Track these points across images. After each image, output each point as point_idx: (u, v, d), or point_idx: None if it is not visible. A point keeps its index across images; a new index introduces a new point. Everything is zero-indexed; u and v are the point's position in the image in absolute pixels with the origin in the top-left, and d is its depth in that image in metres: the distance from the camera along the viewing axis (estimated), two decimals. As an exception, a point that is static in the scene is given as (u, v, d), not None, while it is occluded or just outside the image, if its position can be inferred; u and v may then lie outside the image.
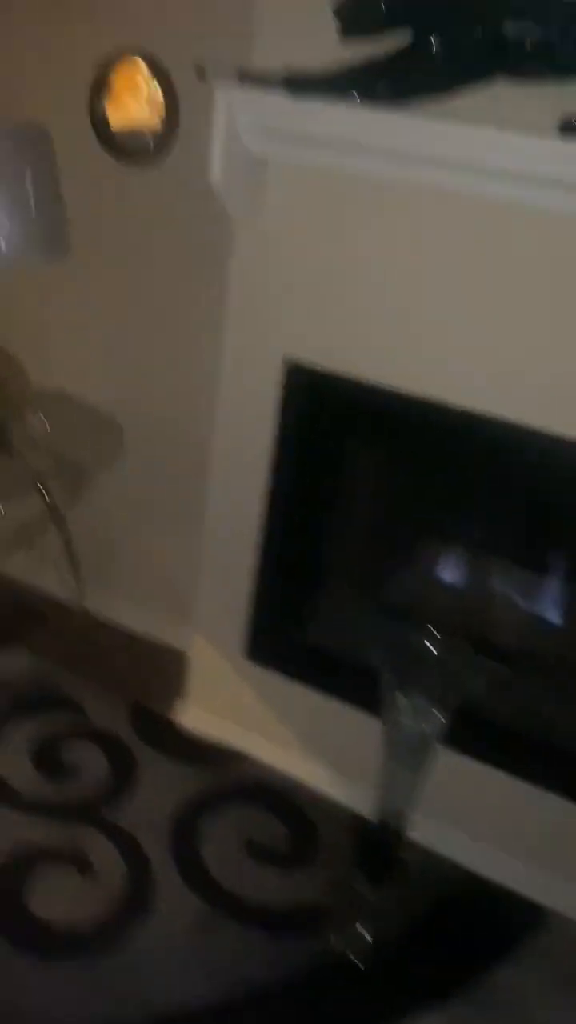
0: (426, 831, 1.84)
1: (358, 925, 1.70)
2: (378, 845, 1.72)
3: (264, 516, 1.92)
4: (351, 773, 1.97)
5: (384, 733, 1.65)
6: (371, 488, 1.90)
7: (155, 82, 1.85)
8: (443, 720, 1.62)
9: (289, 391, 1.79)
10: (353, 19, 1.43)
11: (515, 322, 1.59)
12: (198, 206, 1.77)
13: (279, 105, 1.51)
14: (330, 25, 1.45)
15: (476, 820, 1.90)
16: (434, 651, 1.63)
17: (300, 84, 1.47)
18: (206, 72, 1.51)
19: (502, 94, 1.41)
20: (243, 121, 1.56)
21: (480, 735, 1.78)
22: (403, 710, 1.62)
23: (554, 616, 1.82)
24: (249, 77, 1.51)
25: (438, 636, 1.65)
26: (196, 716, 2.19)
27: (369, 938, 1.69)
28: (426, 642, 1.65)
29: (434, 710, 1.61)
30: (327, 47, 1.47)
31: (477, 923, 1.82)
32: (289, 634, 2.01)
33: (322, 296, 1.73)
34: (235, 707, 2.14)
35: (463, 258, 1.59)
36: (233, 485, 1.95)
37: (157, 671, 2.30)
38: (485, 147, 1.42)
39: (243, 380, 1.86)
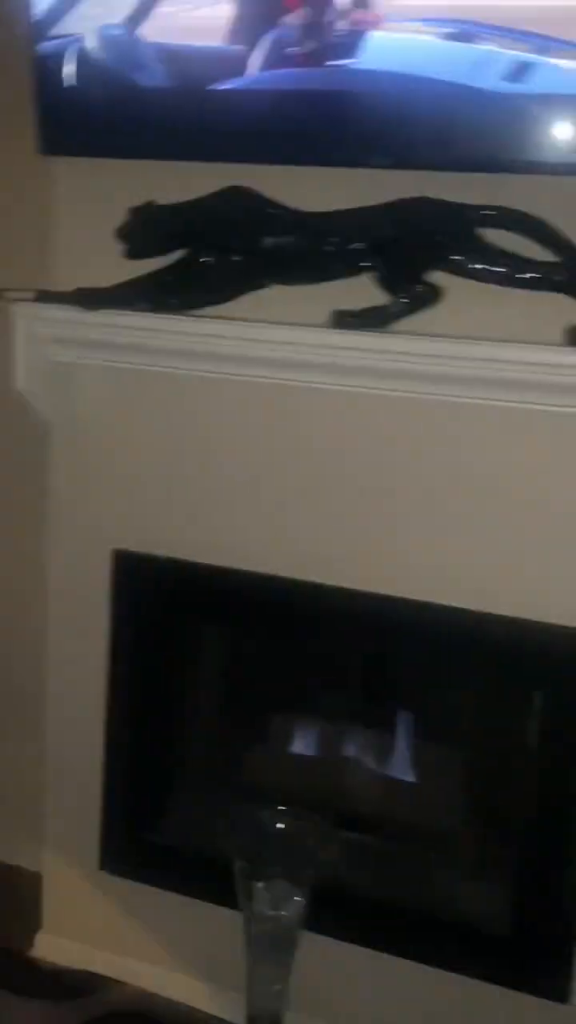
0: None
1: None
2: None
3: (107, 713, 1.87)
4: (226, 980, 1.84)
5: (245, 928, 1.57)
6: (213, 669, 1.89)
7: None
8: (303, 903, 1.55)
9: (120, 580, 1.80)
10: (135, 242, 1.58)
11: (316, 491, 1.67)
12: (10, 410, 1.83)
13: (75, 318, 1.62)
14: (116, 248, 1.59)
15: (351, 1010, 1.79)
16: (287, 830, 1.59)
17: (93, 299, 1.59)
18: (3, 294, 1.62)
19: (275, 294, 1.56)
20: (44, 334, 1.66)
21: (344, 913, 1.71)
22: (261, 899, 1.55)
23: (406, 774, 1.81)
24: (46, 296, 1.63)
25: (290, 814, 1.62)
26: (55, 945, 2.01)
27: None
28: (278, 823, 1.61)
29: (294, 895, 1.55)
30: (116, 266, 1.60)
31: None
32: (144, 838, 1.91)
33: (143, 485, 1.79)
34: (97, 927, 1.98)
35: (261, 438, 1.69)
36: (72, 684, 1.90)
37: (7, 900, 2.13)
38: (261, 341, 1.55)
39: (74, 575, 1.86)
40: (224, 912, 1.79)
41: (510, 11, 1.30)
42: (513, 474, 1.56)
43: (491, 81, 1.32)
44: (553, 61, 1.30)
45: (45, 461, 1.84)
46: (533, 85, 1.32)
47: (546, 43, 1.30)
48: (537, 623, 1.57)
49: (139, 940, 1.95)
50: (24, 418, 1.81)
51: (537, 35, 1.30)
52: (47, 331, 1.67)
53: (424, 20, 1.35)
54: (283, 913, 1.54)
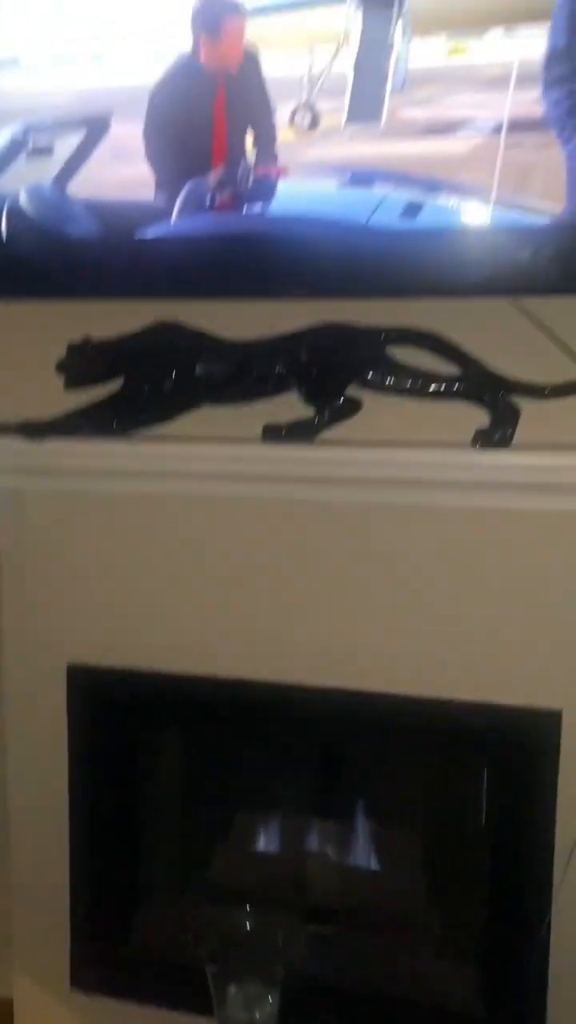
0: None
1: None
2: None
3: (70, 828, 1.89)
4: None
5: (219, 1033, 1.58)
6: (173, 773, 1.93)
7: None
8: (276, 1003, 1.57)
9: (76, 692, 1.84)
10: (72, 374, 1.69)
11: (258, 593, 1.76)
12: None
13: (19, 448, 1.71)
14: (55, 380, 1.70)
15: None
16: (255, 930, 1.62)
17: (37, 429, 1.69)
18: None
19: (209, 413, 1.68)
20: (-5, 463, 1.75)
21: (318, 1008, 1.73)
22: (235, 1002, 1.57)
23: (367, 862, 1.86)
24: (-11, 428, 1.72)
25: (257, 913, 1.65)
26: (29, 1075, 1.98)
27: None
28: (246, 923, 1.65)
29: (267, 995, 1.57)
30: (56, 398, 1.70)
31: None
32: (114, 952, 1.91)
33: (93, 600, 1.84)
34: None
35: (202, 547, 1.77)
36: (34, 802, 1.92)
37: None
38: (197, 458, 1.66)
39: (30, 691, 1.89)
40: (199, 1021, 1.80)
41: (399, 160, 1.48)
42: (443, 566, 1.67)
43: (388, 219, 1.49)
44: (440, 200, 1.47)
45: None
46: (424, 221, 1.48)
47: (432, 185, 1.47)
48: (477, 704, 1.66)
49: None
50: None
51: (423, 179, 1.47)
52: (-3, 461, 1.76)
53: (323, 170, 1.51)
54: (256, 1015, 1.56)
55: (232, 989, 1.57)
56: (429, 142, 1.45)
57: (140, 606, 1.84)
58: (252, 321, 1.62)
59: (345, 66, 1.45)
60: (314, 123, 1.49)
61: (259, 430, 1.65)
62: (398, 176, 1.47)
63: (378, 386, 1.58)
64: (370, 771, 1.82)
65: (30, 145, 1.59)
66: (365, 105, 1.46)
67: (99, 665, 1.85)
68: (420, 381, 1.56)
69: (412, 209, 1.47)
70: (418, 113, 1.45)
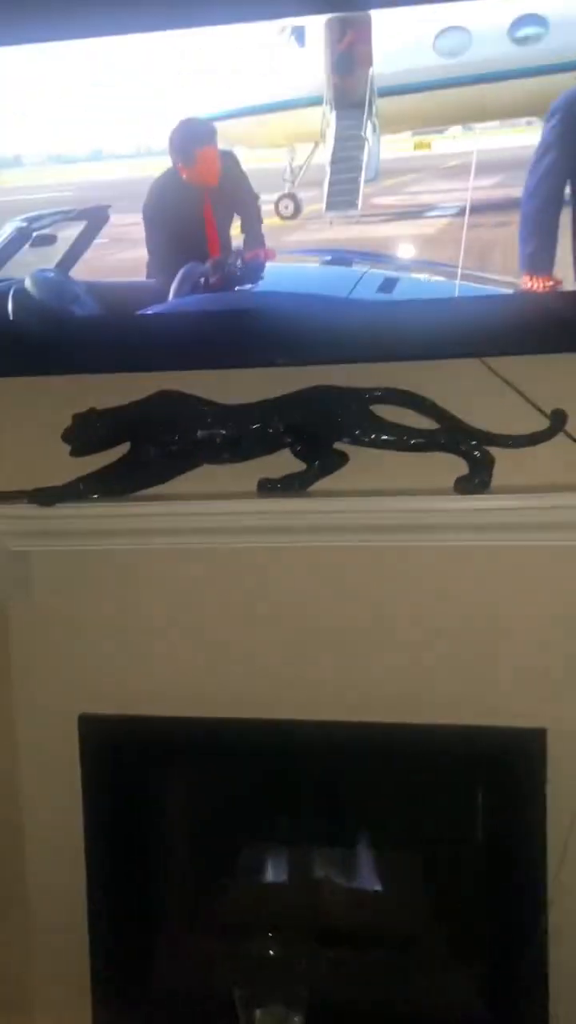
0: None
1: None
2: None
3: (87, 873, 1.97)
4: None
5: (251, 1057, 1.67)
6: (184, 813, 2.02)
7: None
8: (301, 1022, 1.67)
9: (88, 741, 1.94)
10: (79, 442, 1.81)
11: (257, 636, 1.89)
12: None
13: (28, 513, 1.82)
14: (64, 447, 1.82)
15: None
16: (277, 956, 1.72)
17: (45, 496, 1.81)
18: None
19: (208, 471, 1.82)
20: (2, 528, 1.86)
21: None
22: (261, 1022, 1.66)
23: (373, 885, 1.98)
24: (2, 496, 1.83)
25: (278, 940, 1.75)
26: None
27: None
28: (269, 950, 1.75)
29: (292, 1016, 1.67)
30: (61, 464, 1.82)
31: None
32: (137, 994, 1.98)
33: (101, 652, 1.95)
34: None
35: (206, 597, 1.90)
36: (51, 851, 2.00)
37: None
38: (199, 514, 1.79)
39: (44, 742, 1.99)
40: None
41: (374, 241, 1.65)
42: (430, 602, 1.82)
43: (367, 293, 1.66)
44: (413, 275, 1.65)
45: (7, 641, 2.00)
46: (399, 294, 1.66)
47: (404, 263, 1.65)
48: (468, 727, 1.81)
49: None
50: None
51: (397, 258, 1.65)
52: (3, 527, 1.86)
53: (306, 252, 1.68)
54: (285, 1035, 1.66)
55: (258, 1012, 1.67)
56: (401, 225, 1.63)
57: (145, 655, 1.95)
58: (247, 387, 1.77)
59: (323, 160, 1.63)
60: (297, 211, 1.66)
61: (255, 485, 1.80)
62: (374, 255, 1.65)
63: (363, 441, 1.74)
64: (370, 797, 1.93)
65: (33, 236, 1.73)
66: (342, 194, 1.64)
67: (109, 714, 1.95)
68: (402, 435, 1.72)
69: (388, 284, 1.65)
70: (390, 200, 1.63)
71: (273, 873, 2.01)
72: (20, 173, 1.71)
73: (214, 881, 2.02)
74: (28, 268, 1.75)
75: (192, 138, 1.64)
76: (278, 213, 1.67)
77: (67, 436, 1.82)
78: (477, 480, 1.68)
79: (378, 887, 1.97)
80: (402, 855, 1.97)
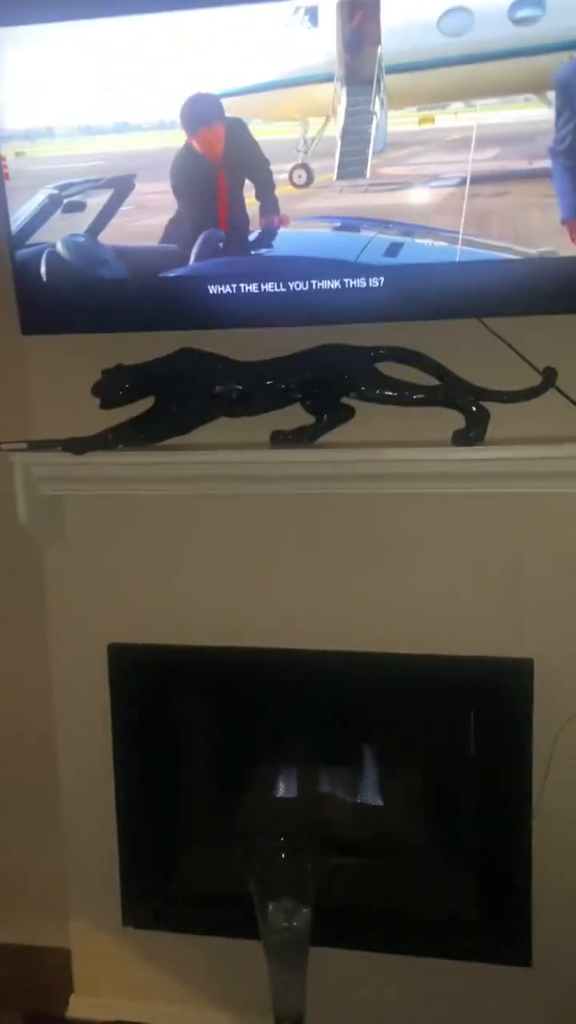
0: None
1: None
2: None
3: (116, 787, 2.18)
4: (246, 1005, 2.14)
5: (264, 941, 1.89)
6: (204, 733, 2.22)
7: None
8: (309, 915, 1.88)
9: (115, 668, 2.13)
10: (107, 395, 1.96)
11: (270, 574, 2.05)
12: (12, 540, 2.17)
13: (61, 460, 1.98)
14: (93, 400, 1.97)
15: (363, 1011, 2.11)
16: (290, 856, 1.93)
17: (79, 444, 1.96)
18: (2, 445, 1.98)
19: (226, 423, 1.97)
20: (36, 475, 2.02)
21: (341, 926, 2.03)
22: (275, 915, 1.88)
23: (376, 800, 2.18)
24: (38, 444, 1.99)
25: (288, 845, 1.96)
26: (87, 1004, 2.28)
27: None
28: (281, 853, 1.95)
29: (301, 908, 1.88)
30: (92, 416, 1.98)
31: None
32: (161, 890, 2.21)
33: (126, 587, 2.13)
34: (124, 980, 2.26)
35: (222, 538, 2.07)
36: (82, 766, 2.20)
37: (43, 973, 2.38)
38: (217, 463, 1.95)
39: (75, 669, 2.17)
40: (238, 944, 2.11)
41: (381, 208, 1.77)
42: (429, 544, 1.98)
43: (374, 257, 1.78)
44: (417, 240, 1.77)
45: (42, 577, 2.18)
46: (404, 257, 1.78)
47: (409, 228, 1.77)
48: (463, 658, 1.98)
49: (164, 984, 2.24)
50: (23, 543, 2.15)
51: (402, 224, 1.77)
52: (39, 472, 2.03)
53: (318, 218, 1.80)
54: (294, 924, 1.87)
55: (271, 905, 1.88)
56: (406, 193, 1.74)
57: (168, 591, 2.12)
58: (262, 345, 1.90)
59: (334, 133, 1.74)
60: (309, 180, 1.78)
61: (267, 437, 1.95)
62: (381, 222, 1.76)
63: (369, 396, 1.88)
64: (372, 720, 2.13)
65: (64, 202, 1.85)
66: (352, 164, 1.75)
67: (135, 643, 2.14)
68: (405, 391, 1.86)
69: (394, 248, 1.77)
70: (396, 170, 1.74)
71: (284, 788, 2.22)
72: (52, 143, 1.83)
73: (230, 793, 2.24)
74: (59, 233, 1.88)
75: (196, 118, 1.75)
76: (292, 182, 1.78)
77: (96, 390, 1.97)
78: (473, 433, 1.83)
79: (378, 801, 2.18)
80: (400, 773, 2.17)
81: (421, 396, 1.86)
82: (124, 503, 2.10)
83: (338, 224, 1.80)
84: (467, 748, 2.05)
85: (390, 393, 1.87)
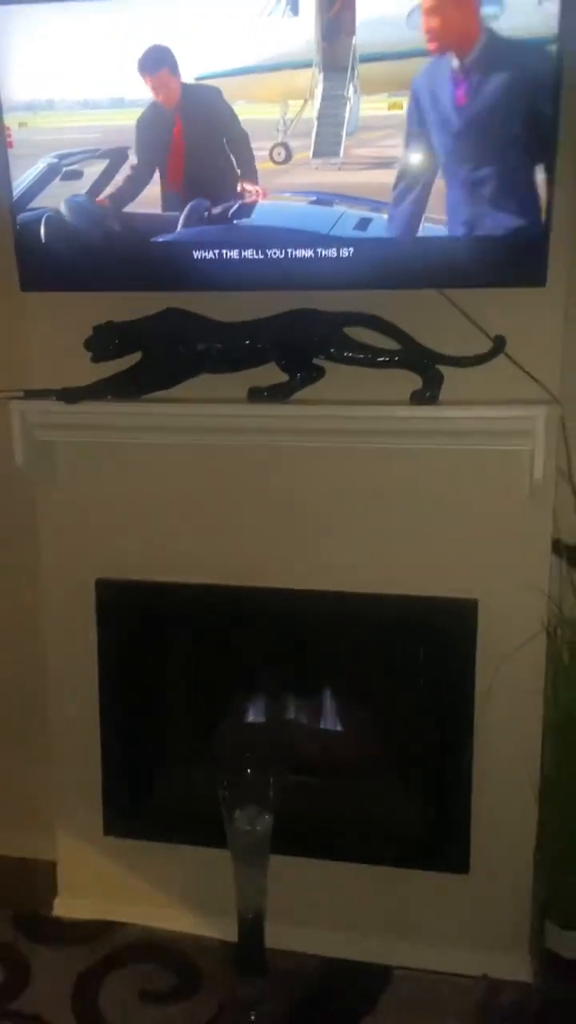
0: (282, 936, 2.26)
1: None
2: (247, 939, 2.13)
3: (100, 709, 2.39)
4: (215, 907, 2.37)
5: (230, 843, 2.12)
6: (182, 663, 2.43)
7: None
8: (271, 820, 2.11)
9: (103, 601, 2.33)
10: (97, 350, 2.14)
11: (244, 517, 2.25)
12: (9, 483, 2.35)
13: (56, 408, 2.17)
14: (85, 354, 2.15)
15: (319, 913, 2.36)
16: (255, 770, 2.15)
17: (73, 394, 2.15)
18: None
19: (206, 380, 2.15)
20: (32, 421, 2.20)
21: (298, 837, 2.26)
22: (240, 821, 2.11)
23: (334, 726, 2.41)
24: (34, 393, 2.18)
25: (254, 761, 2.18)
26: (71, 905, 2.51)
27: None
28: (247, 768, 2.17)
29: (263, 814, 2.11)
30: (82, 369, 2.16)
31: (339, 994, 2.24)
32: (140, 801, 2.43)
33: (113, 528, 2.33)
34: (104, 884, 2.49)
35: (201, 484, 2.26)
36: (69, 691, 2.41)
37: (30, 881, 2.61)
38: (196, 414, 2.14)
39: (65, 601, 2.37)
40: (209, 852, 2.33)
41: (353, 186, 1.94)
42: (387, 493, 2.18)
43: (345, 230, 1.96)
44: (384, 216, 1.95)
45: (34, 517, 2.37)
46: (371, 232, 1.96)
47: (377, 205, 1.95)
48: (415, 597, 2.19)
49: (142, 888, 2.47)
50: (16, 485, 2.34)
51: (370, 200, 1.94)
52: (34, 420, 2.21)
53: (295, 192, 1.97)
54: (257, 828, 2.10)
55: (238, 812, 2.11)
56: (376, 173, 1.92)
57: (151, 532, 2.32)
58: (241, 307, 2.08)
59: (311, 115, 1.91)
60: (287, 157, 1.94)
61: (245, 392, 2.14)
62: (353, 198, 1.94)
63: (338, 358, 2.07)
64: (332, 653, 2.34)
65: (63, 170, 2.02)
66: (327, 144, 1.92)
67: (120, 579, 2.34)
68: (369, 354, 2.05)
69: (363, 223, 1.94)
70: (367, 151, 1.91)
71: (253, 713, 2.44)
72: (52, 116, 1.98)
73: (205, 717, 2.46)
74: (57, 199, 2.05)
75: (143, 64, 1.91)
76: (272, 159, 1.95)
77: (88, 344, 2.14)
78: (428, 394, 2.03)
79: (336, 727, 2.40)
80: (357, 701, 2.40)
81: (383, 359, 2.05)
82: (113, 449, 2.29)
83: (313, 198, 1.97)
84: (417, 679, 2.27)
85: (356, 355, 2.06)
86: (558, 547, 2.19)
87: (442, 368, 2.03)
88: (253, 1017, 2.14)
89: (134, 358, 2.16)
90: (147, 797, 2.44)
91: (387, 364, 2.05)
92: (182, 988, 2.28)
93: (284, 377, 2.12)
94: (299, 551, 2.26)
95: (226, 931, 2.33)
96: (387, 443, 2.13)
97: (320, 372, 2.11)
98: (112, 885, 2.49)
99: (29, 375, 2.25)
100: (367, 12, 1.82)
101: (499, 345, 2.01)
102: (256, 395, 2.13)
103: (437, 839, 2.29)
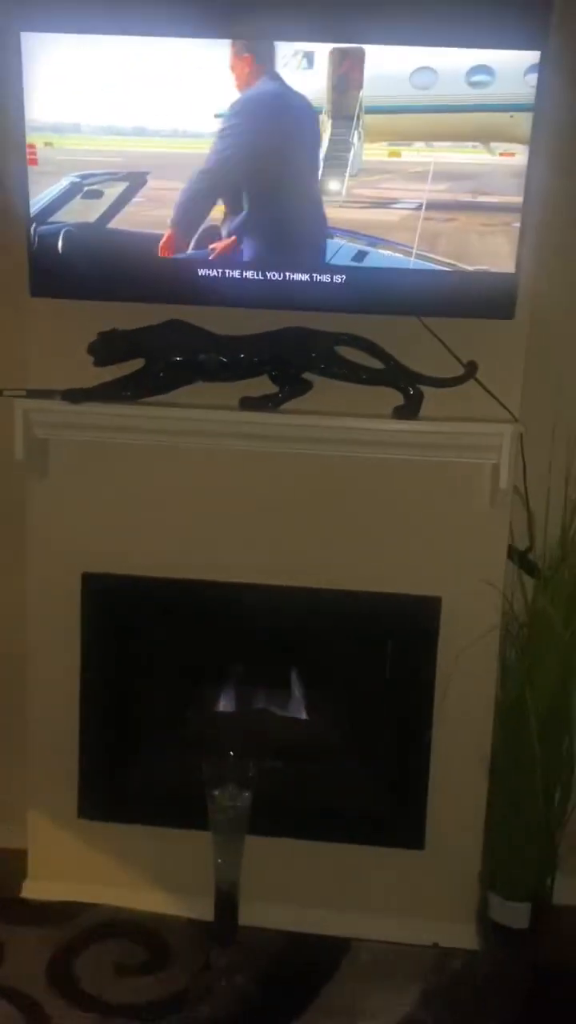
0: (247, 912, 2.41)
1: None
2: (222, 910, 2.29)
3: (80, 696, 2.50)
4: (188, 887, 2.50)
5: (211, 819, 2.27)
6: (162, 653, 2.56)
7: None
8: (249, 798, 2.28)
9: (88, 593, 2.45)
10: (101, 355, 2.28)
11: (225, 517, 2.41)
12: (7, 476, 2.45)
13: (55, 407, 2.30)
14: (83, 357, 2.28)
15: (283, 890, 2.52)
16: (234, 756, 2.32)
17: (74, 395, 2.28)
18: (3, 391, 2.27)
19: (202, 387, 2.32)
20: (34, 418, 2.32)
21: (268, 816, 2.40)
22: (221, 798, 2.26)
23: (301, 715, 2.59)
24: (37, 392, 2.30)
25: (236, 746, 2.34)
26: (42, 887, 2.59)
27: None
28: (230, 752, 2.33)
29: (243, 792, 2.28)
30: (87, 372, 2.29)
31: (301, 965, 2.40)
32: (115, 785, 2.54)
33: (101, 523, 2.45)
34: (76, 866, 2.58)
35: (190, 484, 2.42)
36: (51, 676, 2.51)
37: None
38: (190, 419, 2.31)
39: (53, 590, 2.47)
40: (179, 834, 2.47)
41: (352, 222, 2.15)
42: (364, 498, 2.39)
43: (343, 260, 2.17)
44: (379, 251, 2.16)
45: (23, 511, 2.47)
46: (367, 263, 2.17)
47: (374, 240, 2.16)
48: (382, 594, 2.40)
49: (112, 870, 2.57)
50: (7, 479, 2.44)
51: (368, 236, 2.16)
52: (36, 417, 2.33)
53: (298, 222, 2.17)
54: (237, 805, 2.26)
55: (219, 791, 2.27)
56: (374, 212, 2.13)
57: (136, 528, 2.46)
58: (238, 323, 2.26)
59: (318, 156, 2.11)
60: None
61: (236, 400, 2.31)
62: (352, 232, 2.14)
63: (325, 373, 2.28)
64: (304, 646, 2.51)
65: (84, 189, 2.15)
66: (331, 183, 2.13)
67: (106, 572, 2.47)
68: (355, 371, 2.26)
69: (360, 255, 2.16)
70: (367, 192, 2.12)
71: (234, 701, 2.60)
72: (78, 138, 2.12)
73: (182, 706, 2.60)
74: (78, 215, 2.18)
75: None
76: None
77: (92, 349, 2.28)
78: (409, 410, 2.25)
79: (310, 715, 2.58)
80: (329, 692, 2.58)
81: (367, 376, 2.26)
82: (105, 448, 2.42)
83: None
84: (384, 671, 2.48)
85: (343, 372, 2.27)
86: (510, 551, 2.45)
87: (423, 387, 2.26)
88: (224, 983, 2.28)
89: (133, 364, 2.30)
90: (122, 781, 2.56)
91: (371, 381, 2.27)
92: (153, 962, 2.40)
93: (274, 389, 2.31)
94: (278, 550, 2.43)
95: (193, 910, 2.47)
96: (368, 453, 2.34)
97: (308, 386, 2.31)
98: (83, 867, 2.59)
99: (28, 376, 2.36)
100: (375, 70, 2.05)
101: (471, 370, 2.26)
102: (248, 404, 2.31)
103: (396, 818, 2.49)
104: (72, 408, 2.30)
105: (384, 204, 2.14)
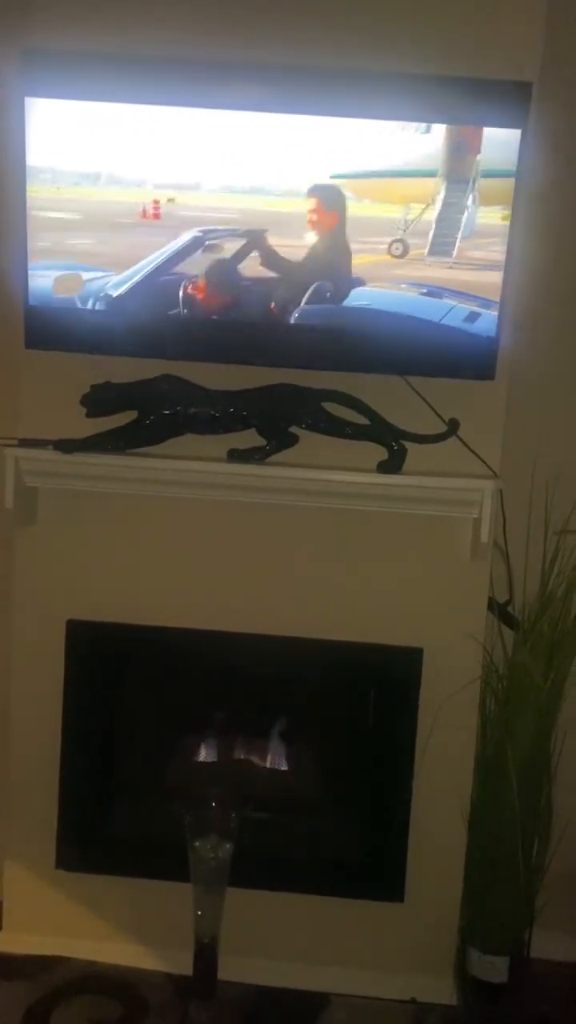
0: (224, 966, 2.38)
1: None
2: (202, 963, 2.26)
3: (62, 744, 2.50)
4: (158, 941, 2.48)
5: (192, 870, 2.26)
6: (145, 702, 2.57)
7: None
8: (231, 849, 2.27)
9: (72, 640, 2.46)
10: (94, 406, 2.33)
11: (208, 566, 2.45)
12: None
13: (45, 457, 2.34)
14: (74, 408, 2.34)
15: (260, 943, 2.50)
16: (217, 804, 2.32)
17: (70, 446, 2.32)
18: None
19: (191, 439, 2.37)
20: (24, 467, 2.36)
21: (248, 868, 2.37)
22: (202, 849, 2.26)
23: (283, 765, 2.60)
24: (29, 442, 2.34)
25: (218, 797, 2.34)
26: (18, 940, 2.56)
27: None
28: (212, 802, 2.33)
29: (224, 843, 2.27)
30: (79, 422, 2.34)
31: (278, 1020, 2.38)
32: (95, 837, 2.53)
33: (87, 570, 2.47)
34: (52, 920, 2.55)
35: (178, 534, 2.46)
36: (32, 724, 2.50)
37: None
38: (178, 470, 2.35)
39: (36, 636, 2.48)
40: (159, 885, 2.46)
41: (461, 282, 2.21)
42: (349, 549, 2.44)
43: (455, 322, 2.22)
44: (491, 312, 2.22)
45: (11, 558, 2.50)
46: (479, 327, 2.23)
47: (486, 303, 2.22)
48: (366, 644, 2.43)
49: (90, 922, 2.55)
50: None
51: (479, 297, 2.21)
52: (26, 466, 2.37)
53: (409, 283, 2.21)
54: (219, 856, 2.26)
55: (200, 841, 2.27)
56: (484, 273, 2.16)
57: (123, 577, 2.49)
58: (229, 378, 2.33)
59: (430, 217, 2.16)
60: (404, 252, 2.18)
61: (223, 452, 2.37)
62: (461, 293, 2.20)
63: (312, 427, 2.34)
64: (293, 695, 2.53)
65: (205, 244, 2.21)
66: (442, 244, 2.17)
67: (90, 619, 2.48)
68: (341, 426, 2.33)
69: (472, 316, 2.21)
70: (478, 254, 2.17)
71: (205, 753, 2.60)
72: (197, 195, 2.19)
73: (164, 756, 2.60)
74: (200, 267, 2.23)
75: None
76: (390, 252, 2.20)
77: (86, 401, 2.33)
78: (393, 464, 2.32)
79: (291, 765, 2.59)
80: (309, 740, 2.60)
81: (353, 431, 2.33)
82: (92, 497, 2.45)
83: (424, 291, 2.23)
84: (366, 721, 2.50)
85: (329, 426, 2.33)
86: (490, 604, 2.50)
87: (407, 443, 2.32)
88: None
89: (126, 417, 2.35)
90: (101, 832, 2.55)
91: (357, 436, 2.33)
92: (130, 1017, 2.37)
93: (261, 442, 2.36)
94: (262, 599, 2.47)
95: (170, 964, 2.45)
96: (352, 505, 2.40)
97: (294, 439, 2.37)
98: (60, 919, 2.56)
99: (17, 426, 2.41)
100: (493, 134, 2.12)
101: (453, 427, 2.33)
102: (235, 456, 2.36)
103: (376, 870, 2.50)
104: (63, 458, 2.34)
105: (495, 267, 2.19)
